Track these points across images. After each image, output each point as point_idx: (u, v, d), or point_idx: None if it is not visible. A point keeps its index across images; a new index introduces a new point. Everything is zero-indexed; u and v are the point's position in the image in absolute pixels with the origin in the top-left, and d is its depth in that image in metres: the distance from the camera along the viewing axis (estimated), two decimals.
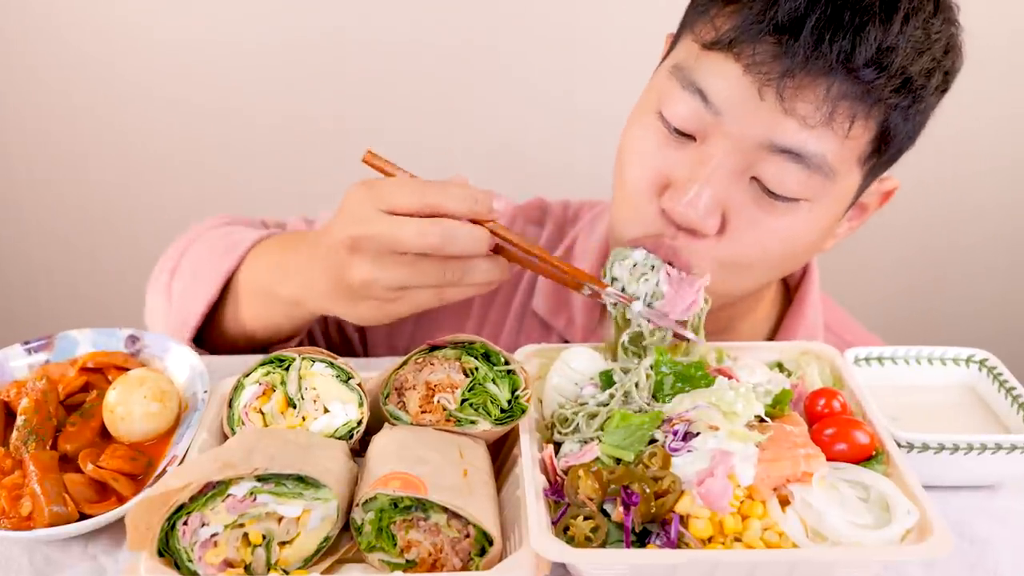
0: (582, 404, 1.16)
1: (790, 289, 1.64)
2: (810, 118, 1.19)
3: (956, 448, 1.14)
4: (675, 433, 1.06)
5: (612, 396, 1.15)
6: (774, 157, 1.21)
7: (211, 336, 1.54)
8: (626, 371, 1.20)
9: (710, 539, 0.99)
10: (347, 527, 1.02)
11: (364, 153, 1.23)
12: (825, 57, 1.16)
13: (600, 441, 1.08)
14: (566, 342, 1.57)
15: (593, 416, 1.13)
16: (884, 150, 1.27)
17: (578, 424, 1.13)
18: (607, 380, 1.19)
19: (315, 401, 1.11)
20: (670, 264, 1.29)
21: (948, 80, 1.27)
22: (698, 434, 1.05)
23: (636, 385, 1.16)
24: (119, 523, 1.08)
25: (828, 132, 1.20)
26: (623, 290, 1.27)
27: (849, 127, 1.20)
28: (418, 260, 1.17)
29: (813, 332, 1.57)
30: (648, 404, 1.15)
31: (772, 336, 1.60)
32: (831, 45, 1.16)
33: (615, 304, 1.27)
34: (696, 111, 1.24)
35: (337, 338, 1.69)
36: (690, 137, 1.27)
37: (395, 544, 0.99)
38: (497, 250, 1.22)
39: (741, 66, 1.20)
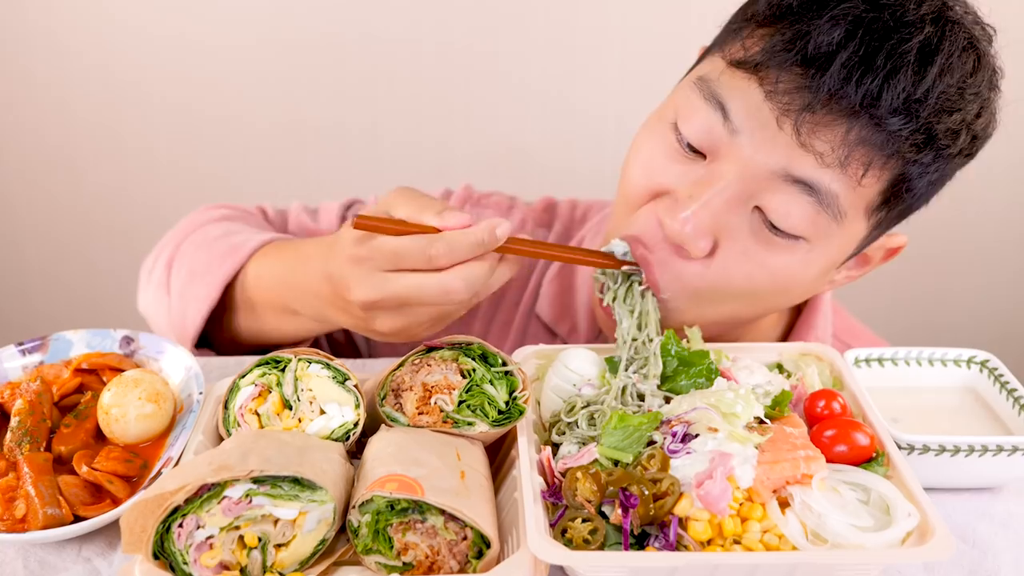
0: (583, 406, 1.17)
1: None
2: (826, 156, 1.17)
3: (957, 450, 1.14)
4: (674, 435, 1.07)
5: (608, 392, 1.17)
6: (785, 187, 1.19)
7: (219, 338, 1.55)
8: (632, 361, 1.21)
9: (709, 541, 0.99)
10: (343, 529, 1.03)
11: (354, 220, 1.23)
12: (849, 98, 1.13)
13: (598, 443, 1.08)
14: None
15: (589, 404, 1.15)
16: (894, 204, 1.25)
17: (577, 419, 1.14)
18: (613, 367, 1.21)
19: (311, 403, 1.11)
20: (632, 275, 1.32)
21: (975, 145, 1.23)
22: (697, 436, 1.06)
23: (644, 373, 1.17)
24: (114, 525, 1.08)
25: (841, 175, 1.18)
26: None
27: (863, 175, 1.18)
28: (434, 295, 1.21)
29: (823, 340, 1.55)
30: (656, 390, 1.16)
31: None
32: (857, 87, 1.13)
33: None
34: (713, 126, 1.22)
35: (341, 337, 1.69)
36: (700, 155, 1.25)
37: (392, 547, 1.00)
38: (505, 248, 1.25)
39: (763, 91, 1.18)
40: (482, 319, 1.66)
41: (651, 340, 1.24)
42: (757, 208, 1.23)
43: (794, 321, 1.58)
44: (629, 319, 1.28)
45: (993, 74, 1.22)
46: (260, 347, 1.53)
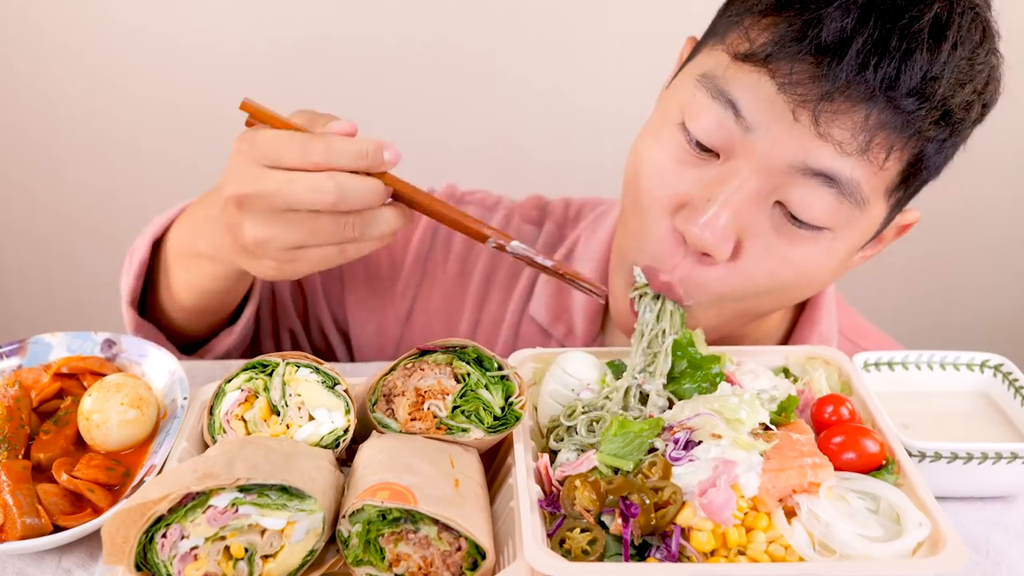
0: (584, 410, 1.16)
1: None
2: (846, 145, 1.16)
3: (970, 457, 1.14)
4: (676, 441, 1.06)
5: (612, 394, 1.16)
6: (805, 180, 1.18)
7: (153, 316, 1.53)
8: (644, 355, 1.21)
9: (713, 552, 0.99)
10: (333, 540, 1.02)
11: (242, 102, 1.20)
12: (868, 83, 1.13)
13: (598, 450, 1.07)
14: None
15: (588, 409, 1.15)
16: (912, 182, 1.25)
17: (576, 424, 1.13)
18: (615, 370, 1.21)
19: (300, 408, 1.10)
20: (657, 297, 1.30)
21: (985, 112, 1.24)
22: (700, 442, 1.05)
23: (651, 371, 1.16)
24: (95, 536, 1.08)
25: (863, 161, 1.17)
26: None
27: (885, 159, 1.18)
28: (313, 218, 1.15)
29: (828, 337, 1.55)
30: (661, 389, 1.16)
31: (783, 343, 1.58)
32: (875, 71, 1.12)
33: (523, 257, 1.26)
34: (725, 124, 1.20)
35: (321, 343, 1.68)
36: (713, 154, 1.24)
37: (383, 558, 0.99)
38: (396, 197, 1.21)
39: (776, 84, 1.16)
40: (467, 323, 1.64)
41: (664, 335, 1.23)
42: (778, 203, 1.22)
43: (798, 316, 1.58)
44: (652, 312, 1.28)
45: (995, 40, 1.23)
46: (181, 320, 1.50)
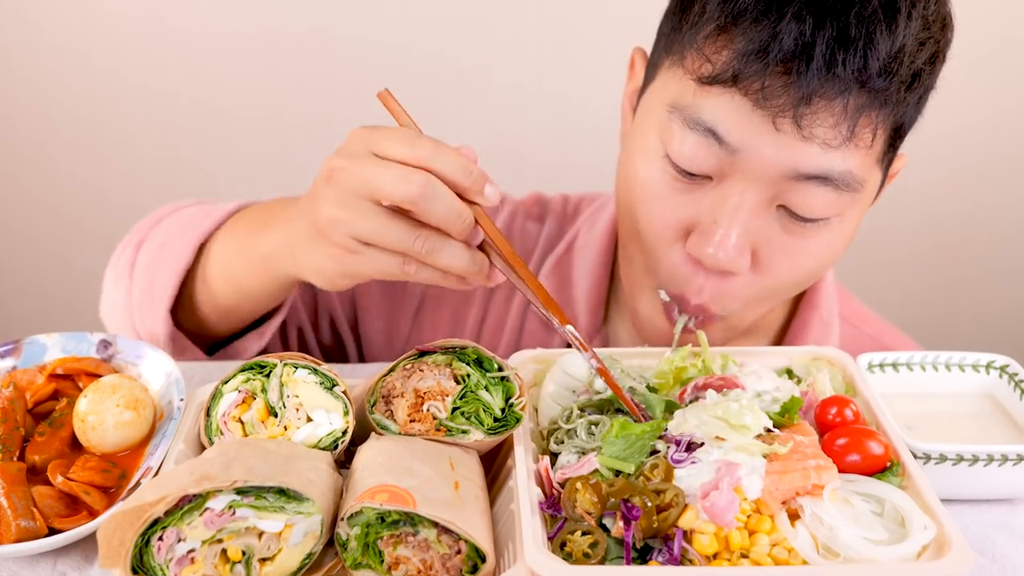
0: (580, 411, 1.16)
1: None
2: (832, 140, 1.20)
3: (975, 459, 1.14)
4: (678, 443, 1.06)
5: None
6: (800, 184, 1.22)
7: (180, 314, 1.50)
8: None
9: (715, 555, 0.99)
10: (331, 543, 1.02)
11: (380, 90, 1.19)
12: (840, 78, 1.17)
13: (599, 452, 1.08)
14: (568, 344, 1.57)
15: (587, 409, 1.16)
16: (897, 143, 1.29)
17: (576, 427, 1.14)
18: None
19: (298, 409, 1.10)
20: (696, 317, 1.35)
21: (946, 52, 1.29)
22: (702, 444, 1.05)
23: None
24: (90, 539, 1.07)
25: (851, 148, 1.21)
26: None
27: (872, 138, 1.22)
28: (391, 216, 1.12)
29: (828, 321, 1.58)
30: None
31: (785, 327, 1.61)
32: (844, 66, 1.16)
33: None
34: (709, 152, 1.23)
35: (330, 341, 1.69)
36: (705, 177, 1.26)
37: (382, 561, 0.99)
38: (481, 248, 1.17)
39: (750, 101, 1.19)
40: (475, 319, 1.66)
41: None
42: (780, 206, 1.26)
43: (798, 301, 1.61)
44: None
45: None
46: (214, 319, 1.48)
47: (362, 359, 1.70)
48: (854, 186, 1.23)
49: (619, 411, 1.17)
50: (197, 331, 1.51)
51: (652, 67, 1.36)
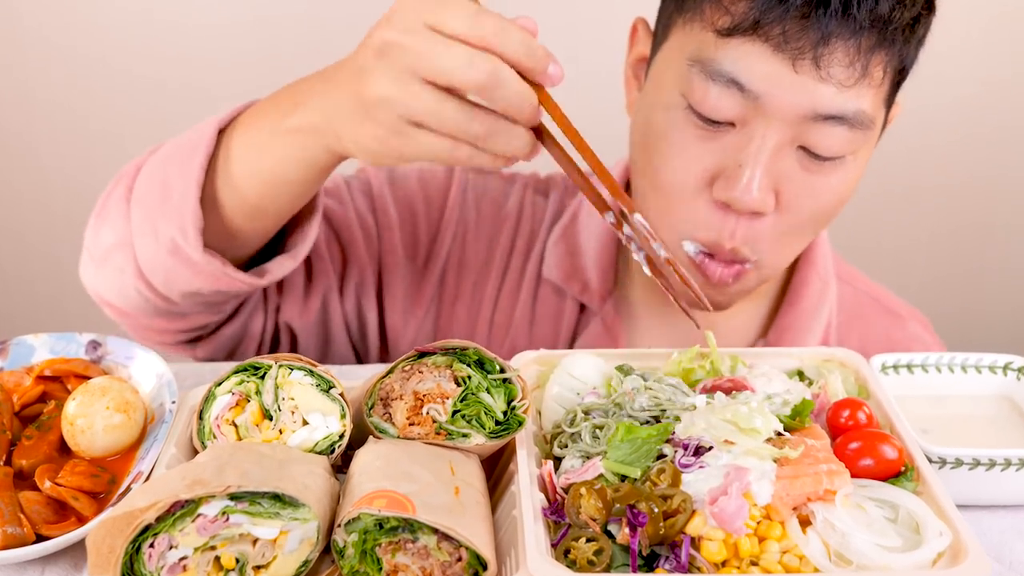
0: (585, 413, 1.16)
1: None
2: (846, 80, 1.29)
3: (992, 464, 1.14)
4: (685, 448, 1.06)
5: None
6: (818, 125, 1.31)
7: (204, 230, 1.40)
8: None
9: (724, 563, 0.99)
10: (328, 550, 1.02)
11: None
12: (855, 18, 1.26)
13: (604, 456, 1.07)
14: (583, 308, 1.65)
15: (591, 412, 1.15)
16: (901, 83, 1.41)
17: (580, 431, 1.13)
18: (624, 373, 1.21)
19: (293, 412, 1.10)
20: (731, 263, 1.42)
21: (934, 2, 1.39)
22: (711, 448, 1.05)
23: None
24: (79, 545, 1.07)
25: (863, 87, 1.31)
26: None
27: (883, 76, 1.33)
28: (446, 96, 1.08)
29: (825, 279, 1.67)
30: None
31: (786, 283, 1.69)
32: (859, 5, 1.26)
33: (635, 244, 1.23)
34: (732, 100, 1.31)
35: (354, 313, 1.68)
36: (728, 123, 1.34)
37: (380, 568, 0.99)
38: (537, 133, 1.14)
39: (770, 46, 1.28)
40: (491, 290, 1.71)
41: None
42: (800, 147, 1.35)
43: (796, 260, 1.68)
44: None
45: None
46: (241, 223, 1.39)
47: (383, 338, 1.71)
48: (867, 124, 1.33)
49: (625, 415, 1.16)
50: (222, 246, 1.41)
51: (664, 28, 1.43)
